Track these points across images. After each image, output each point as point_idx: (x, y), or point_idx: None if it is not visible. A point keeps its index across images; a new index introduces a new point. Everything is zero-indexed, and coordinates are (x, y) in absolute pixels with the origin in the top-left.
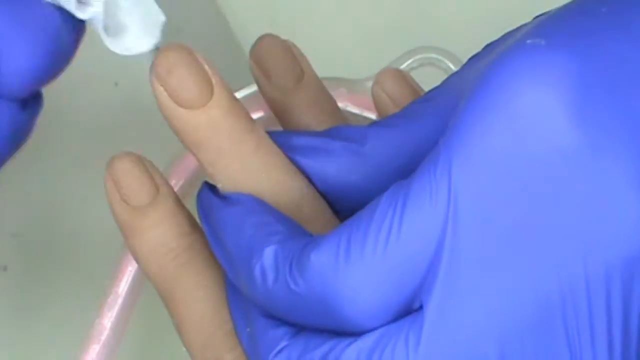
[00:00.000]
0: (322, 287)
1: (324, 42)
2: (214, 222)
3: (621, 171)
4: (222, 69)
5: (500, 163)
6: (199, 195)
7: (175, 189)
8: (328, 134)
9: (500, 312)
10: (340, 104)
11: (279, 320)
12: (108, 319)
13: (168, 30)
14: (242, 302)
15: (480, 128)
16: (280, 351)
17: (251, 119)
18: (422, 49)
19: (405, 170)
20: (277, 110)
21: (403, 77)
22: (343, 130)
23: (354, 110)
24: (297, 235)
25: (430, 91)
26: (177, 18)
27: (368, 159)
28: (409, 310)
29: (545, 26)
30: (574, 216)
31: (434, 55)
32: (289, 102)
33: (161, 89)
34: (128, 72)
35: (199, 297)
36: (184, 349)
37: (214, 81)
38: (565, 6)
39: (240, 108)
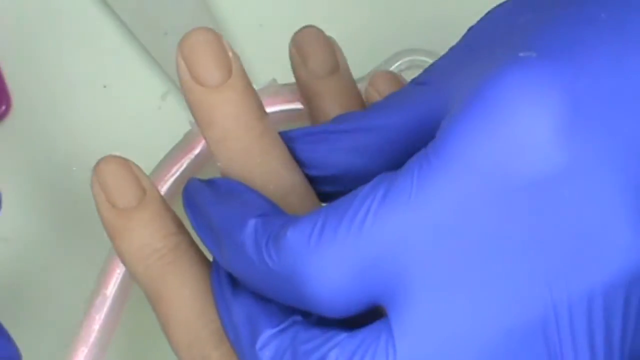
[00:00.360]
0: (291, 264)
1: None
2: (199, 201)
3: (609, 195)
4: None
5: (486, 179)
6: (186, 185)
7: (163, 191)
8: (326, 122)
9: (476, 325)
10: None
11: (262, 306)
12: (97, 321)
13: (155, 35)
14: (227, 293)
15: (469, 141)
16: (267, 342)
17: (262, 108)
18: (410, 52)
19: (398, 157)
20: (308, 95)
21: (396, 79)
22: (340, 116)
23: None
24: (280, 213)
25: (424, 73)
26: (164, 21)
27: (362, 141)
28: (378, 305)
29: (540, 33)
30: (559, 237)
31: (422, 58)
32: (320, 89)
33: (183, 63)
34: (117, 74)
35: (185, 296)
36: (171, 350)
37: (233, 66)
38: (565, 7)
39: (254, 96)
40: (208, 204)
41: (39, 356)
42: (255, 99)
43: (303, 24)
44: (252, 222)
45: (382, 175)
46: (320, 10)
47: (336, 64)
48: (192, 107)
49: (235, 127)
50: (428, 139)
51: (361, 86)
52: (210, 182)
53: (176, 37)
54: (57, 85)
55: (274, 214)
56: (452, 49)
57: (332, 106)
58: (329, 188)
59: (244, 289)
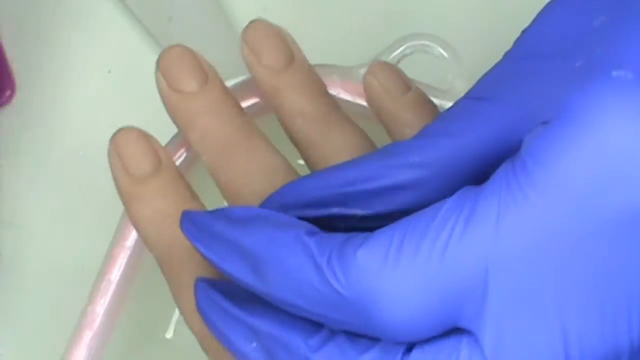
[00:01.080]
0: (363, 288)
1: (316, 29)
2: (217, 231)
3: None
4: (214, 57)
5: (582, 207)
6: (185, 218)
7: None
8: (385, 163)
9: (559, 351)
10: (332, 91)
11: (302, 324)
12: (101, 306)
13: (159, 19)
14: (237, 316)
15: (564, 165)
16: (317, 348)
17: (239, 106)
18: (415, 36)
19: (467, 177)
20: (268, 92)
21: (394, 70)
22: (390, 147)
23: (346, 97)
24: (325, 232)
25: (480, 86)
26: (168, 7)
27: (429, 175)
28: (454, 328)
29: (627, 45)
30: None
31: (426, 42)
32: (279, 84)
33: (162, 77)
34: (121, 59)
35: (196, 260)
36: (176, 335)
37: (209, 73)
38: None
39: (230, 97)
40: (232, 232)
41: (44, 340)
42: (231, 99)
43: (306, 9)
44: (306, 241)
45: (464, 190)
46: None
47: (291, 55)
48: (172, 114)
49: (215, 123)
50: (497, 163)
51: (363, 72)
52: (219, 212)
53: (181, 22)
54: (61, 70)
55: (321, 232)
56: (507, 57)
57: (296, 101)
58: (373, 223)
59: (250, 305)
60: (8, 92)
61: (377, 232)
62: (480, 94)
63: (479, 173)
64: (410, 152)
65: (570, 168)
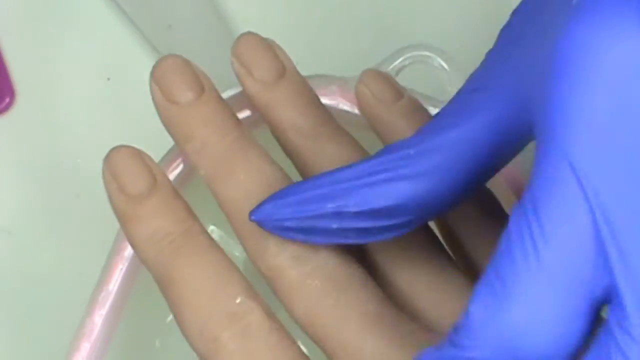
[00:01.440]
0: (492, 329)
1: (315, 40)
2: None
3: None
4: (214, 65)
5: (614, 124)
6: None
7: (171, 179)
8: (379, 160)
9: None
10: (332, 101)
11: None
12: (99, 317)
13: (159, 28)
14: None
15: (580, 97)
16: None
17: (236, 117)
18: (414, 47)
19: (469, 173)
20: (261, 105)
21: (386, 77)
22: (395, 144)
23: (346, 107)
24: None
25: (473, 79)
26: (168, 14)
27: (427, 163)
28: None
29: None
30: None
31: (425, 53)
32: (271, 97)
33: (157, 88)
34: (120, 67)
35: (196, 277)
36: (174, 349)
37: (205, 84)
38: None
39: (226, 107)
40: None
41: (41, 351)
42: (228, 109)
43: (306, 19)
44: (425, 355)
45: (513, 205)
46: (323, 5)
47: (282, 67)
48: (168, 126)
49: (212, 134)
50: (503, 145)
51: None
52: None
53: (180, 31)
54: (60, 78)
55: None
56: (491, 51)
57: (289, 113)
58: (368, 223)
59: None
60: (7, 100)
61: (473, 289)
62: (471, 87)
63: (482, 163)
64: (405, 147)
65: (589, 99)
